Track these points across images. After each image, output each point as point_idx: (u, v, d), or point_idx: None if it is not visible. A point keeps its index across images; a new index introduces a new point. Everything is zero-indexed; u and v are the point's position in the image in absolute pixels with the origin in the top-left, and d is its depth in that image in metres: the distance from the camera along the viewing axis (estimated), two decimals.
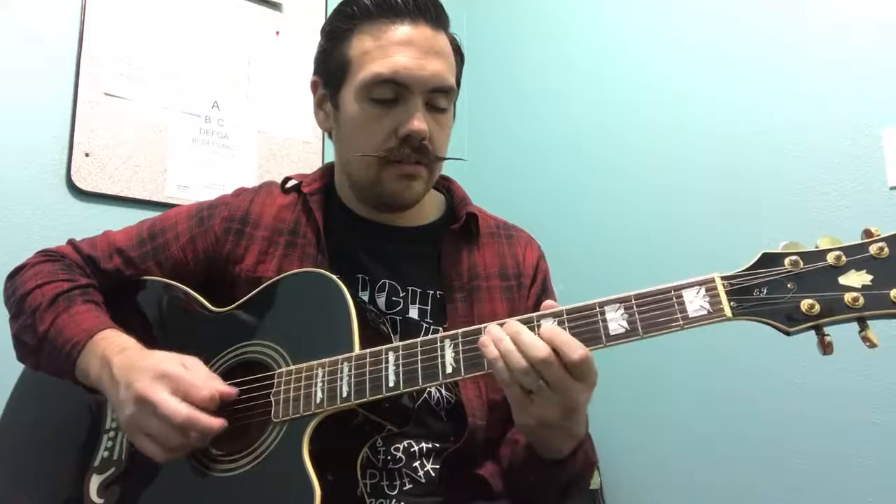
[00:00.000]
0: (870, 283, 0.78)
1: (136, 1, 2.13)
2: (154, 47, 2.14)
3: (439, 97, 1.12)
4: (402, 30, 1.10)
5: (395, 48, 1.09)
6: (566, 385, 0.87)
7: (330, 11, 2.37)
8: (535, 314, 0.91)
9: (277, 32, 2.40)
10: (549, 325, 0.89)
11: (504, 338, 0.88)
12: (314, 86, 1.23)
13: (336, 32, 1.16)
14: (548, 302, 0.93)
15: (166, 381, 0.95)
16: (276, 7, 2.41)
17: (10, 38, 1.94)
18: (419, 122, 1.09)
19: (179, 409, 0.93)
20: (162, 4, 2.18)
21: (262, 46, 2.36)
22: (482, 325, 0.92)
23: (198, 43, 2.23)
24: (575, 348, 0.86)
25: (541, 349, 0.86)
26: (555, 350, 0.86)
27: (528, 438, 1.03)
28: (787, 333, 0.81)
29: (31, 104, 1.94)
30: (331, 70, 1.16)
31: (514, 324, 0.89)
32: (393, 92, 1.09)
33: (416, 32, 1.10)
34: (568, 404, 0.89)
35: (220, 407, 0.97)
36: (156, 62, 2.14)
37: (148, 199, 2.07)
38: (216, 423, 0.95)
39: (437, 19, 1.13)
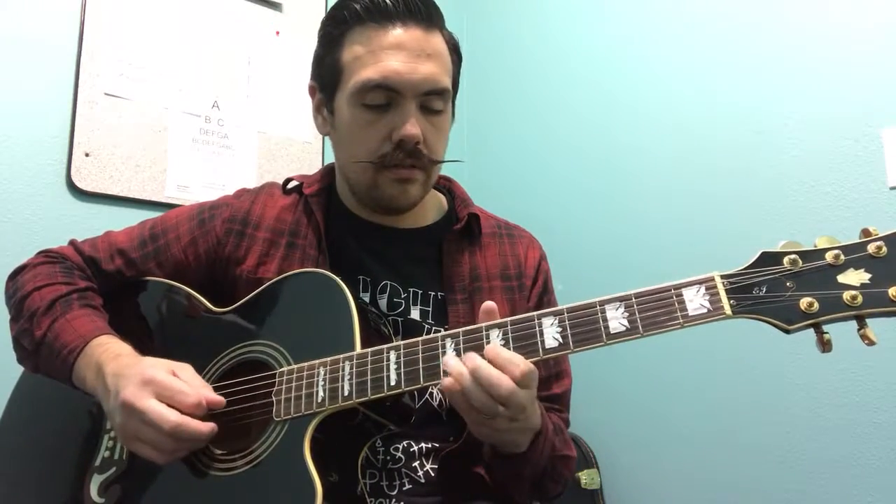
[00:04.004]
0: (868, 282, 0.79)
1: (136, 1, 2.13)
2: (154, 47, 2.15)
3: (434, 99, 1.12)
4: (393, 33, 1.09)
5: (386, 53, 1.08)
6: (520, 402, 0.90)
7: None
8: (535, 313, 0.92)
9: (277, 32, 2.40)
10: (491, 347, 0.90)
11: (464, 372, 0.89)
12: (311, 91, 1.22)
13: (329, 38, 1.15)
14: (487, 303, 0.95)
15: (152, 388, 0.95)
16: (276, 7, 2.41)
17: (10, 38, 1.94)
18: (412, 127, 1.08)
19: (168, 415, 0.93)
20: (162, 4, 2.18)
21: (262, 46, 2.36)
22: (482, 325, 0.93)
23: (198, 43, 2.23)
24: (516, 367, 0.88)
25: (505, 385, 0.87)
26: (500, 368, 0.88)
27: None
28: (787, 331, 0.82)
29: (31, 104, 1.94)
30: (325, 76, 1.16)
31: (474, 360, 0.89)
32: (385, 97, 1.09)
33: (407, 35, 1.09)
34: (517, 413, 0.92)
35: (212, 412, 0.98)
36: (156, 62, 2.14)
37: (148, 199, 2.07)
38: (206, 428, 0.95)
39: (429, 19, 1.12)
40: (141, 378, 0.96)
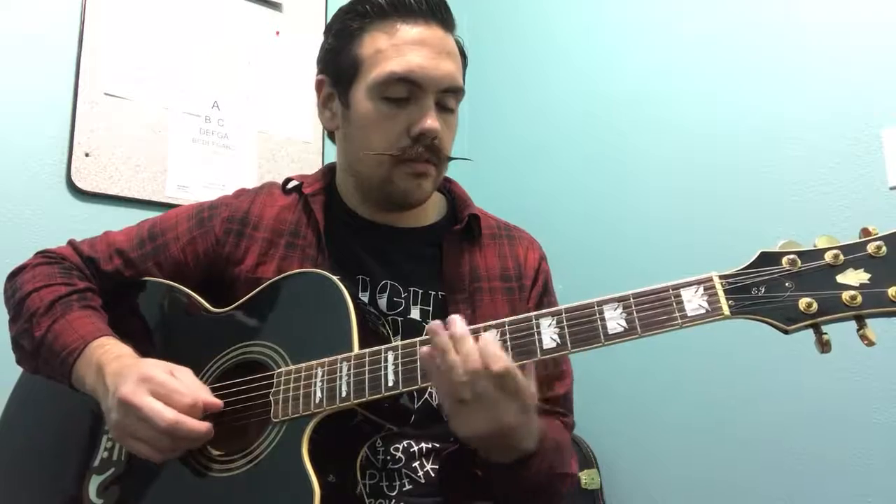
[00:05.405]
0: (867, 282, 0.78)
1: (136, 1, 2.13)
2: (154, 47, 2.15)
3: (449, 97, 1.13)
4: (416, 30, 1.11)
5: (409, 47, 1.09)
6: (494, 398, 0.88)
7: (330, 11, 2.37)
8: (533, 313, 0.92)
9: (277, 32, 2.40)
10: (485, 336, 0.90)
11: (448, 347, 0.89)
12: (319, 84, 1.22)
13: (346, 31, 1.15)
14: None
15: (148, 385, 0.95)
16: (276, 7, 2.41)
17: (10, 38, 1.94)
18: (432, 121, 1.09)
19: (164, 413, 0.93)
20: (162, 4, 2.18)
21: (262, 46, 2.36)
22: (480, 325, 0.93)
23: (198, 43, 2.23)
24: (496, 359, 0.87)
25: (475, 361, 0.87)
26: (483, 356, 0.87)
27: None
28: (786, 332, 0.82)
29: (31, 104, 1.94)
30: (340, 68, 1.16)
31: (461, 331, 0.90)
32: (406, 91, 1.10)
33: (430, 33, 1.11)
34: (496, 420, 0.90)
35: (208, 414, 0.98)
36: (156, 62, 2.14)
37: (148, 199, 2.07)
38: (202, 427, 0.96)
39: (448, 22, 1.14)
40: (138, 376, 0.96)
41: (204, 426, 0.96)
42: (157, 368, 0.99)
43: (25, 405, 1.24)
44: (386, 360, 0.95)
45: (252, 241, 1.20)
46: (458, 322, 0.91)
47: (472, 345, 0.88)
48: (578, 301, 0.90)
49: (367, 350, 0.96)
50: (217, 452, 1.01)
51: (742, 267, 0.84)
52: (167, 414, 0.93)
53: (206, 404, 0.98)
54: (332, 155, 1.28)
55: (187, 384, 0.98)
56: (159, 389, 0.95)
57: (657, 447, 2.05)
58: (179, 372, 1.00)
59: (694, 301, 0.84)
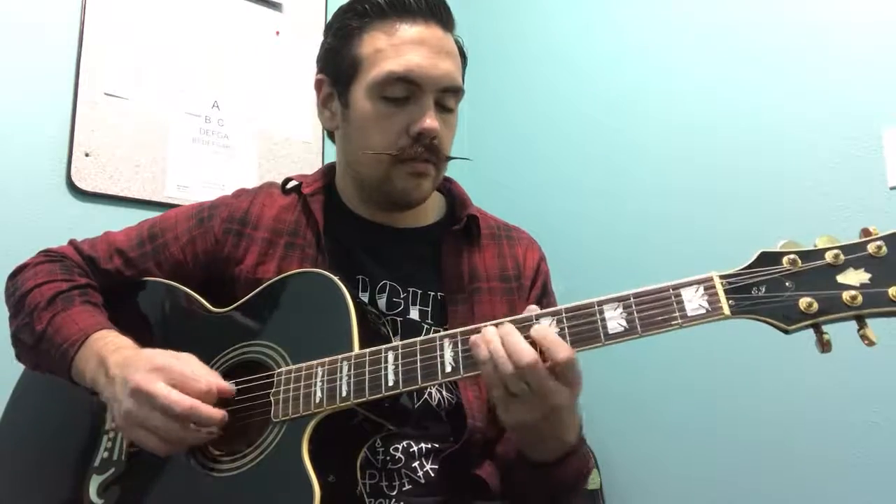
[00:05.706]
0: (868, 282, 0.78)
1: (136, 1, 2.13)
2: (154, 47, 2.14)
3: (448, 97, 1.13)
4: (415, 29, 1.11)
5: (408, 47, 1.10)
6: (548, 389, 0.87)
7: (330, 11, 2.36)
8: (534, 313, 0.91)
9: (277, 32, 2.40)
10: (540, 326, 0.89)
11: (494, 339, 0.88)
12: (319, 84, 1.22)
13: (346, 30, 1.15)
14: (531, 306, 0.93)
15: (162, 374, 0.95)
16: (276, 7, 2.41)
17: (10, 38, 1.94)
18: (431, 121, 1.09)
19: (181, 399, 0.93)
20: (162, 4, 2.18)
21: (262, 46, 2.36)
22: (481, 325, 0.92)
23: (198, 43, 2.23)
24: (561, 349, 0.86)
25: (526, 354, 0.85)
26: (541, 351, 0.86)
27: (515, 438, 1.03)
28: (786, 332, 0.81)
29: (31, 104, 1.94)
30: (340, 68, 1.16)
31: (507, 325, 0.89)
32: (405, 90, 1.10)
33: (429, 32, 1.11)
34: (547, 407, 0.89)
35: (218, 403, 0.98)
36: (156, 62, 2.14)
37: (148, 199, 2.07)
38: (218, 413, 0.96)
39: (447, 21, 1.15)
40: (150, 365, 0.96)
41: (219, 412, 0.96)
42: (165, 356, 0.99)
43: (26, 405, 1.24)
44: (386, 360, 0.95)
45: (251, 241, 1.20)
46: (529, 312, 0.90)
47: (518, 338, 0.87)
48: (578, 300, 0.90)
49: (367, 350, 0.96)
50: (218, 452, 1.01)
51: (742, 267, 0.84)
52: (184, 400, 0.93)
53: (219, 389, 0.98)
54: (332, 155, 1.28)
55: (197, 370, 0.99)
56: (173, 377, 0.95)
57: (657, 447, 2.05)
58: (184, 358, 1.00)
59: (694, 301, 0.84)
